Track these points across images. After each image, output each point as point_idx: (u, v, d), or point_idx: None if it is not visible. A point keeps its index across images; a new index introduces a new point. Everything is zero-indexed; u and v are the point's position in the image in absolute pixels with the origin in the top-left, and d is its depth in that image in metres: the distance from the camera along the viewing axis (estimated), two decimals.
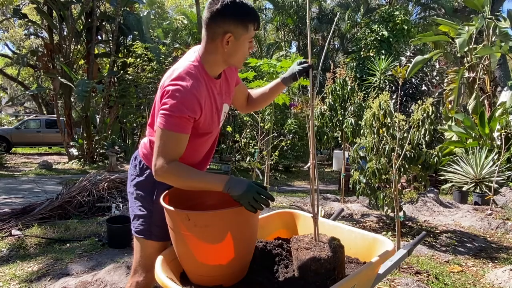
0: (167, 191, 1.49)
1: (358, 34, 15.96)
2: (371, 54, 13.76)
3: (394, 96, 8.89)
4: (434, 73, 11.61)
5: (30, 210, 4.47)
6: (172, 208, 1.35)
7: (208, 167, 1.75)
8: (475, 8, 9.33)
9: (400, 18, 13.94)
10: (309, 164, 1.49)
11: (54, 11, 11.37)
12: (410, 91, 11.26)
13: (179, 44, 16.20)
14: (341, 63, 13.96)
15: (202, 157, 1.63)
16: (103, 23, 13.00)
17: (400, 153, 3.20)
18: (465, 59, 9.93)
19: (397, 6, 15.10)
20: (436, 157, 3.68)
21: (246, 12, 1.36)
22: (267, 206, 1.33)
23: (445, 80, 9.71)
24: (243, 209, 1.35)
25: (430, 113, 3.40)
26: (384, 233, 4.13)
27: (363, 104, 5.33)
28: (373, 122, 3.57)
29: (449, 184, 7.09)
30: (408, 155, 3.50)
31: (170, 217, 1.37)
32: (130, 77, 11.41)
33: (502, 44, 8.16)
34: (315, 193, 1.42)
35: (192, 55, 1.47)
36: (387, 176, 3.62)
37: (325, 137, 5.39)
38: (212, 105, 1.47)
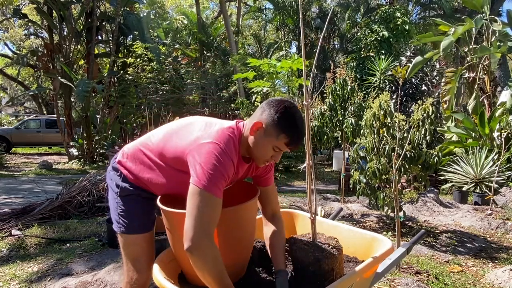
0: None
1: (358, 34, 15.95)
2: (371, 54, 13.75)
3: (394, 96, 8.88)
4: (434, 73, 11.60)
5: (30, 210, 4.47)
6: (169, 209, 1.35)
7: None
8: (474, 8, 9.33)
9: (400, 19, 13.94)
10: (305, 164, 1.49)
11: (54, 11, 11.37)
12: (410, 91, 11.25)
13: (179, 44, 16.20)
14: (341, 63, 13.96)
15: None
16: (103, 23, 13.00)
17: (400, 153, 3.20)
18: (465, 59, 9.94)
19: (397, 6, 15.09)
20: (436, 157, 3.68)
21: (291, 127, 1.36)
22: None
23: (442, 80, 9.72)
24: (239, 208, 1.35)
25: (430, 113, 3.40)
26: (384, 233, 4.13)
27: (363, 104, 5.33)
28: (373, 122, 3.57)
29: (449, 184, 7.08)
30: (408, 155, 3.50)
31: (167, 217, 1.37)
32: (130, 77, 11.41)
33: (501, 44, 8.16)
34: (312, 194, 1.43)
35: (236, 123, 1.46)
36: (387, 176, 3.62)
37: (325, 137, 5.39)
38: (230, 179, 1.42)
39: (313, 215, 1.41)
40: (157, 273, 1.32)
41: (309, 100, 1.40)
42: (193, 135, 1.39)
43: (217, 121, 1.47)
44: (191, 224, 1.20)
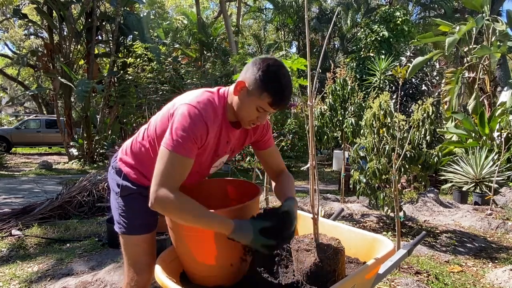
0: None
1: (358, 34, 15.96)
2: (371, 54, 13.76)
3: (394, 96, 8.88)
4: (434, 73, 11.61)
5: (30, 210, 4.47)
6: None
7: None
8: (474, 8, 9.33)
9: (400, 18, 13.94)
10: (308, 165, 1.49)
11: (54, 11, 11.36)
12: (410, 91, 11.26)
13: (179, 44, 16.19)
14: (341, 63, 13.96)
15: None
16: (103, 23, 12.99)
17: (400, 153, 3.20)
18: (465, 59, 9.94)
19: (397, 6, 15.10)
20: (436, 157, 3.68)
21: (273, 85, 1.30)
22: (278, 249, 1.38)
23: (443, 80, 9.72)
24: (242, 208, 1.35)
25: (430, 113, 3.40)
26: (384, 233, 4.13)
27: (363, 104, 5.33)
28: (373, 122, 3.57)
29: (449, 184, 7.08)
30: (408, 155, 3.50)
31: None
32: (130, 77, 11.40)
33: (501, 44, 8.16)
34: (315, 194, 1.42)
35: (217, 89, 1.45)
36: (387, 176, 3.61)
37: (325, 137, 5.39)
38: (214, 145, 1.42)
39: (316, 216, 1.41)
40: (159, 272, 1.32)
41: (313, 101, 1.37)
42: (173, 103, 1.41)
43: (197, 90, 1.46)
44: (154, 181, 1.26)
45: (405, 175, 3.76)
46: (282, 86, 1.32)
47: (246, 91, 1.33)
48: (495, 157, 6.60)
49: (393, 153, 3.26)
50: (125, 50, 13.11)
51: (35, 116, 16.74)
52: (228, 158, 1.59)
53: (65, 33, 12.13)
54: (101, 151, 11.50)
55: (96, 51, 13.93)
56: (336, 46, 20.65)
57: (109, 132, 11.97)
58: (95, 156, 11.54)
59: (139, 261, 1.54)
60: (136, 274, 1.54)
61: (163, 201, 1.25)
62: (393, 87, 10.66)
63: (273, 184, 1.66)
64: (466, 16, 10.98)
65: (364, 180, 3.89)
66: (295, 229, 1.40)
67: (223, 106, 1.40)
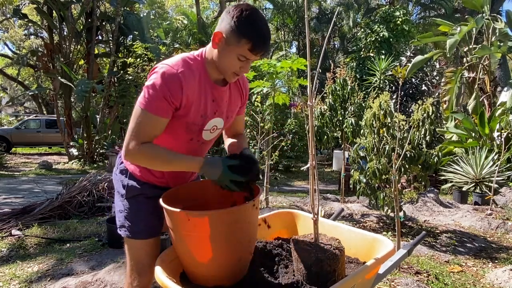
0: (166, 192, 1.48)
1: (358, 34, 15.97)
2: (371, 54, 13.76)
3: (394, 96, 8.89)
4: (434, 73, 11.61)
5: (30, 210, 4.47)
6: (171, 208, 1.35)
7: None
8: (474, 8, 9.33)
9: (400, 19, 13.94)
10: (308, 165, 1.49)
11: (54, 11, 11.36)
12: (410, 91, 11.26)
13: (179, 44, 16.19)
14: (341, 63, 13.96)
15: None
16: (103, 23, 12.99)
17: (400, 153, 3.20)
18: (464, 59, 9.94)
19: (397, 6, 15.10)
20: (436, 157, 3.68)
21: (250, 28, 1.27)
22: (244, 186, 1.39)
23: (442, 80, 9.73)
24: (242, 208, 1.35)
25: (430, 113, 3.40)
26: (384, 233, 4.13)
27: (363, 104, 5.33)
28: (373, 122, 3.57)
29: (449, 184, 7.09)
30: (408, 155, 3.50)
31: (170, 217, 1.37)
32: (130, 77, 11.40)
33: (501, 44, 8.16)
34: (315, 194, 1.42)
35: (192, 52, 1.44)
36: (387, 176, 3.62)
37: (325, 137, 5.39)
38: (200, 105, 1.39)
39: (316, 216, 1.41)
40: (159, 272, 1.32)
41: (313, 101, 1.36)
42: None
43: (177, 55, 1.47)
44: (126, 137, 1.33)
45: (405, 175, 3.76)
46: (260, 29, 1.28)
47: (225, 41, 1.30)
48: (495, 157, 6.61)
49: (393, 153, 3.26)
50: (125, 50, 13.11)
51: (35, 116, 16.75)
52: (226, 123, 1.55)
53: (65, 33, 12.13)
54: (101, 151, 11.50)
55: (96, 51, 13.94)
56: (336, 46, 20.66)
57: (109, 132, 11.97)
58: (95, 156, 11.54)
59: (142, 262, 1.54)
60: (138, 275, 1.54)
61: (133, 153, 1.32)
62: (393, 87, 10.67)
63: (227, 140, 1.66)
64: (466, 16, 10.98)
65: (364, 180, 3.89)
66: (259, 171, 1.46)
67: (201, 63, 1.39)
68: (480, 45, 8.92)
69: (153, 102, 1.29)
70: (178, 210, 1.33)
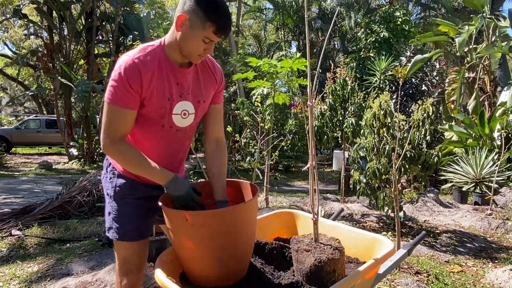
0: (164, 194, 1.48)
1: (358, 34, 15.97)
2: (371, 54, 13.76)
3: (394, 96, 8.89)
4: (434, 73, 11.61)
5: (30, 210, 4.46)
6: (170, 209, 1.35)
7: None
8: (475, 8, 9.33)
9: (400, 19, 13.94)
10: (308, 165, 1.48)
11: (54, 11, 11.36)
12: (410, 91, 11.27)
13: None
14: (341, 63, 13.97)
15: (165, 156, 1.51)
16: (103, 23, 12.99)
17: (400, 153, 3.20)
18: (465, 59, 9.94)
19: (397, 6, 15.10)
20: (436, 157, 3.68)
21: (214, 12, 1.29)
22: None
23: (446, 80, 9.72)
24: (241, 208, 1.35)
25: (430, 113, 3.40)
26: (384, 233, 4.13)
27: (363, 104, 5.32)
28: (374, 122, 3.57)
29: (449, 184, 7.08)
30: (408, 155, 3.49)
31: (168, 217, 1.37)
32: None
33: (503, 44, 8.16)
34: (315, 195, 1.42)
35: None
36: (387, 176, 3.61)
37: (325, 137, 5.39)
38: (164, 88, 1.39)
39: (316, 216, 1.41)
40: (159, 273, 1.32)
41: (313, 101, 1.37)
42: None
43: None
44: (102, 132, 1.37)
45: (405, 175, 3.75)
46: (223, 12, 1.31)
47: (189, 24, 1.31)
48: (495, 157, 6.61)
49: (393, 153, 3.26)
50: (125, 50, 13.06)
51: (35, 116, 16.74)
52: (199, 109, 1.51)
53: (65, 33, 12.13)
54: (101, 151, 11.49)
55: (96, 51, 13.93)
56: (336, 46, 20.65)
57: None
58: (95, 156, 11.54)
59: (129, 262, 1.55)
60: (126, 274, 1.55)
61: (109, 149, 1.38)
62: (393, 87, 10.66)
63: (207, 155, 1.60)
64: (471, 15, 10.98)
65: (364, 180, 3.89)
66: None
67: (160, 47, 1.40)
68: (483, 44, 8.92)
69: (116, 95, 1.32)
70: (176, 210, 1.34)
